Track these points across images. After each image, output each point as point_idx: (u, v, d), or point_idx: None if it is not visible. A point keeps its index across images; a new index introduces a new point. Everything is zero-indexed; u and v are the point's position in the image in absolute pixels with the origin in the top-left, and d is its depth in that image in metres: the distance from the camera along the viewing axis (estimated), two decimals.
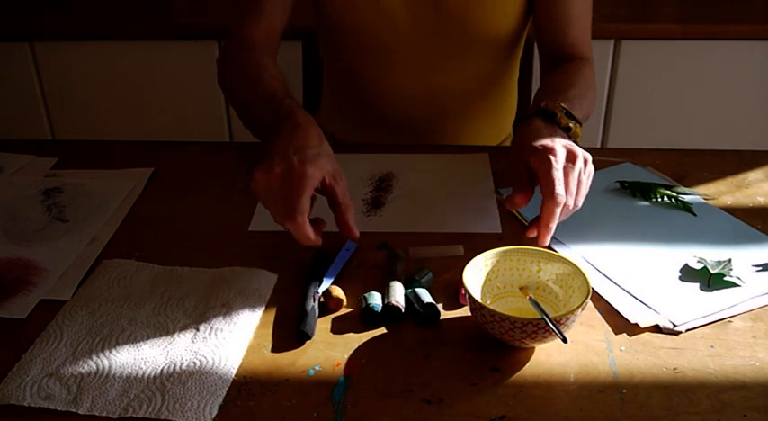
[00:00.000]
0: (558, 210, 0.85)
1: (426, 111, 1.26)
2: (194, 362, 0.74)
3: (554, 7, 1.17)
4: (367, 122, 1.30)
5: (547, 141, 0.90)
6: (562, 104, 0.98)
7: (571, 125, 0.97)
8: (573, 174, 0.87)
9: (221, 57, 1.14)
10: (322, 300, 0.82)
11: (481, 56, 1.22)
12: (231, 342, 0.76)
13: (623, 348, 0.76)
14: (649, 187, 1.02)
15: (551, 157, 0.87)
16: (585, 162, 0.90)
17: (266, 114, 0.94)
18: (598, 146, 1.95)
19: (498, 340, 0.75)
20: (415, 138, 1.27)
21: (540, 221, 0.85)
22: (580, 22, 1.19)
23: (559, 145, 0.89)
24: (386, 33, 1.18)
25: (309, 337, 0.77)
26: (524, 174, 0.91)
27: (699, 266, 0.86)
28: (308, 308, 0.80)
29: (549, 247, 0.90)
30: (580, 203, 0.88)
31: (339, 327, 0.79)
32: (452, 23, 1.17)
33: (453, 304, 0.82)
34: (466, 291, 0.74)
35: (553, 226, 0.85)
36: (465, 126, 1.29)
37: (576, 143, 0.94)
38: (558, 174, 0.86)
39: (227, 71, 1.10)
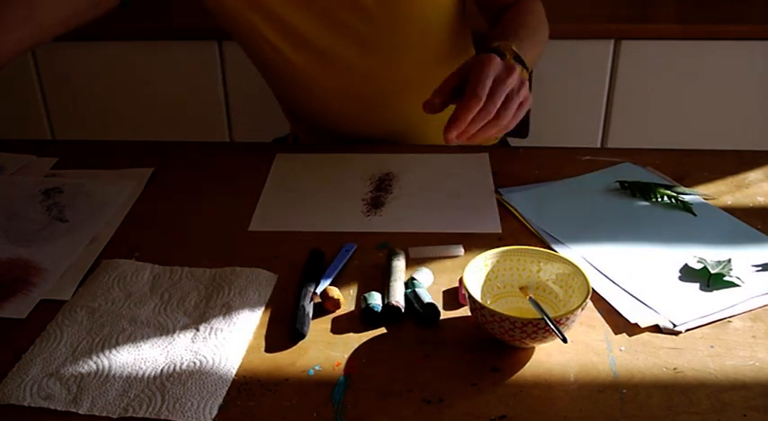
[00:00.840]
0: (473, 111, 0.87)
1: (384, 111, 1.22)
2: (194, 362, 0.74)
3: None
4: (326, 134, 1.29)
5: (490, 55, 0.92)
6: (513, 47, 0.99)
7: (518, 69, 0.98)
8: (502, 87, 0.88)
9: None
10: (319, 300, 0.82)
11: (421, 49, 1.18)
12: (231, 342, 0.76)
13: (623, 348, 0.76)
14: (649, 187, 1.02)
15: (486, 64, 0.89)
16: (521, 85, 0.91)
17: None
18: (598, 146, 1.95)
19: (498, 340, 0.75)
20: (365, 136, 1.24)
21: (453, 115, 0.88)
22: None
23: (499, 60, 0.91)
24: (314, 68, 1.16)
25: (303, 336, 0.77)
26: (452, 81, 0.93)
27: (699, 266, 0.86)
28: (302, 306, 0.80)
29: (548, 247, 0.90)
30: (507, 122, 0.90)
31: (339, 327, 0.79)
32: (384, 29, 1.13)
33: (453, 304, 0.82)
34: (466, 290, 0.74)
35: (462, 124, 0.87)
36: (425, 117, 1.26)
37: None
38: (485, 79, 0.87)
39: None
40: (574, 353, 0.75)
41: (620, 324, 0.79)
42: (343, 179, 1.08)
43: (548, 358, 0.75)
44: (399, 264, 0.87)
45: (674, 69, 1.84)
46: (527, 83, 0.93)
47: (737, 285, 0.83)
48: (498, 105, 0.88)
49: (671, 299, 0.82)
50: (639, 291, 0.83)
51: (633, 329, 0.78)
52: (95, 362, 0.74)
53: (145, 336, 0.78)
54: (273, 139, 1.49)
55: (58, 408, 0.69)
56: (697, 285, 0.84)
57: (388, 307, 0.80)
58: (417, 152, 1.15)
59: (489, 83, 0.88)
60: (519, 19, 1.14)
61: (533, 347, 0.76)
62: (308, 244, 0.92)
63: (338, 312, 0.82)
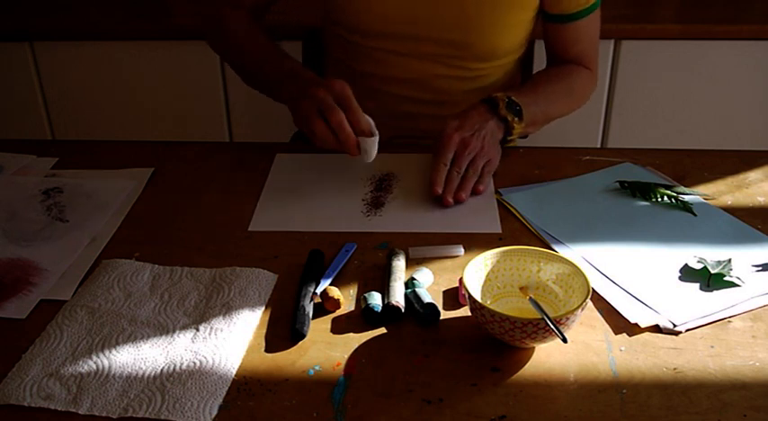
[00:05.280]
0: (441, 174, 1.00)
1: (427, 109, 1.25)
2: (194, 362, 0.74)
3: (561, 30, 1.20)
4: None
5: (464, 118, 1.04)
6: (512, 97, 1.07)
7: (509, 118, 1.06)
8: (464, 153, 1.01)
9: (213, 21, 1.24)
10: (319, 300, 0.82)
11: (486, 70, 1.23)
12: (231, 342, 0.76)
13: (623, 348, 0.76)
14: (649, 187, 1.02)
15: (450, 133, 1.02)
16: (484, 148, 1.02)
17: (272, 72, 1.12)
18: (598, 146, 1.95)
19: (498, 340, 0.75)
20: (416, 131, 1.27)
21: (430, 180, 1.01)
22: (588, 40, 1.23)
23: (467, 128, 1.03)
24: (404, 42, 1.18)
25: (303, 336, 0.77)
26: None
27: (699, 266, 0.86)
28: (302, 306, 0.80)
29: (548, 247, 0.90)
30: (473, 184, 1.01)
31: (339, 327, 0.79)
32: (465, 44, 1.17)
33: (453, 304, 0.82)
34: (466, 290, 0.74)
35: (438, 187, 0.99)
36: None
37: (509, 138, 1.08)
38: (449, 145, 1.01)
39: (225, 37, 1.23)
40: (574, 353, 0.75)
41: (620, 324, 0.79)
42: (343, 179, 1.08)
43: (548, 358, 0.75)
44: (399, 264, 0.87)
45: (674, 69, 1.84)
46: (494, 144, 1.04)
47: (737, 285, 0.83)
48: (463, 168, 1.01)
49: (671, 299, 0.82)
50: (639, 291, 0.83)
51: (633, 329, 0.78)
52: (95, 362, 0.74)
53: (145, 336, 0.78)
54: (294, 134, 1.49)
55: (58, 408, 0.69)
56: (697, 285, 0.84)
57: (388, 307, 0.80)
58: (417, 152, 1.15)
59: (452, 148, 1.01)
60: (549, 78, 1.21)
61: (533, 347, 0.76)
62: (308, 244, 0.92)
63: (338, 312, 0.82)
